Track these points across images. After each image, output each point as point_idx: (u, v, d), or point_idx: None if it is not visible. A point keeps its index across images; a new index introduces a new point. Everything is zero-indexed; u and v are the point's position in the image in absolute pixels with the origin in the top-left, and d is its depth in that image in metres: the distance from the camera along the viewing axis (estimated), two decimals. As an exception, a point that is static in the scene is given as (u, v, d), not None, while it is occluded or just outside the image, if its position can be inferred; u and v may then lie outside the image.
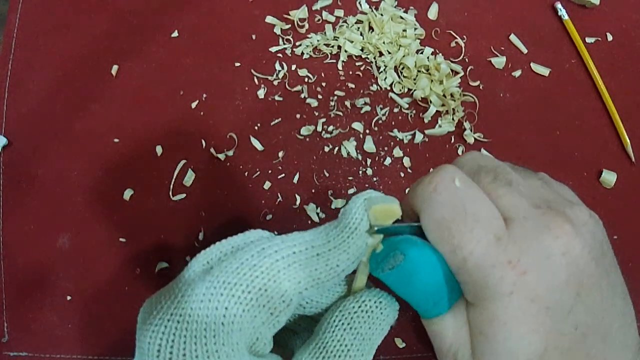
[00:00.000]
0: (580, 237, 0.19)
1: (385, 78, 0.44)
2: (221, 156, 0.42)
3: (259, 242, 0.20)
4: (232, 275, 0.19)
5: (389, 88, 0.44)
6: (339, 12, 0.46)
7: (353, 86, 0.44)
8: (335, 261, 0.20)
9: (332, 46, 0.45)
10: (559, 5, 0.47)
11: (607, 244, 0.21)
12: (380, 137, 0.43)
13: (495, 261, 0.19)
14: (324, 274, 0.20)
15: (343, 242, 0.20)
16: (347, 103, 0.44)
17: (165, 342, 0.18)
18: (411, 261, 0.20)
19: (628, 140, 0.44)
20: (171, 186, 0.41)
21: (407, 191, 0.24)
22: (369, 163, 0.42)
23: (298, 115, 0.43)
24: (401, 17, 0.45)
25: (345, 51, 0.44)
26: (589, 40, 0.47)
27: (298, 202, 0.41)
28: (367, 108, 0.43)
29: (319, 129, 0.43)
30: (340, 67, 0.44)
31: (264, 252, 0.20)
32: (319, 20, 0.46)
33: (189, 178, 0.41)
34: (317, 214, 0.41)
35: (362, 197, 0.21)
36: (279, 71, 0.44)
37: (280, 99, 0.43)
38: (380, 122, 0.43)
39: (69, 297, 0.39)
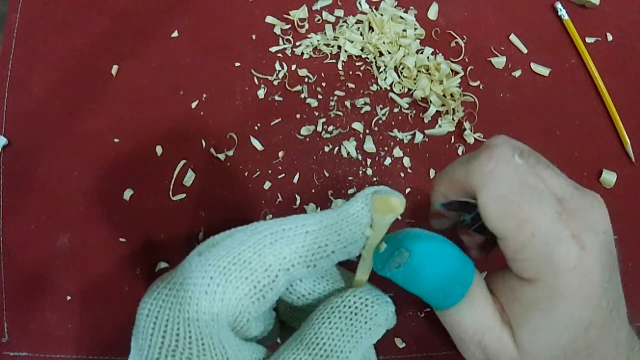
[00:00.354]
0: (609, 217, 0.21)
1: (385, 78, 0.44)
2: (221, 156, 0.42)
3: (257, 223, 0.20)
4: (223, 250, 0.19)
5: (389, 88, 0.44)
6: (339, 12, 0.46)
7: (353, 86, 0.44)
8: (324, 240, 0.20)
9: (332, 46, 0.45)
10: (559, 5, 0.47)
11: None
12: (380, 137, 0.43)
13: (562, 235, 0.19)
14: (311, 252, 0.20)
15: (335, 223, 0.20)
16: (347, 103, 0.44)
17: (157, 309, 0.18)
18: (417, 257, 0.20)
19: (628, 140, 0.44)
20: (171, 186, 0.41)
21: (449, 168, 0.23)
22: (369, 163, 0.42)
23: (298, 115, 0.43)
24: (401, 17, 0.45)
25: (345, 51, 0.44)
26: (589, 40, 0.47)
27: (298, 202, 0.41)
28: (367, 108, 0.43)
29: (319, 129, 0.43)
30: (340, 67, 0.44)
31: (255, 229, 0.20)
32: (319, 20, 0.46)
33: (189, 178, 0.41)
34: (317, 214, 0.41)
35: (371, 189, 0.21)
36: (279, 71, 0.44)
37: (280, 99, 0.44)
38: (380, 122, 0.43)
39: (69, 297, 0.39)
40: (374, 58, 0.45)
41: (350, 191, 0.41)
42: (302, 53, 0.45)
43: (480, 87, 0.45)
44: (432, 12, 0.47)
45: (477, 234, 0.23)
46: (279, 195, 0.41)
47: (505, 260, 0.22)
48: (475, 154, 0.21)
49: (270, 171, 0.42)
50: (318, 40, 0.45)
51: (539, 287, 0.20)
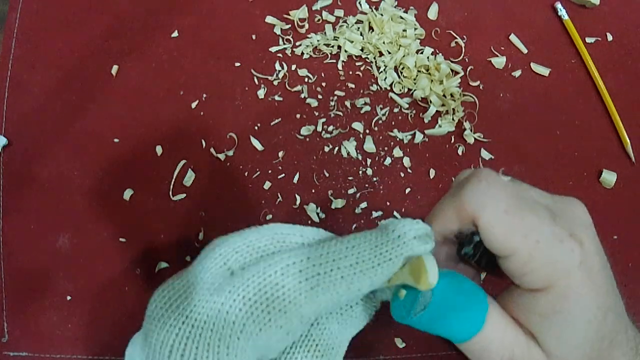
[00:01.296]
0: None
1: (385, 78, 0.44)
2: (221, 156, 0.42)
3: (282, 256, 0.20)
4: (254, 292, 0.19)
5: (389, 88, 0.44)
6: (339, 12, 0.46)
7: (353, 86, 0.44)
8: (358, 285, 0.20)
9: (332, 46, 0.45)
10: (559, 5, 0.47)
11: None
12: (380, 137, 0.43)
13: (562, 236, 0.20)
14: (348, 296, 0.20)
15: (372, 265, 0.20)
16: (347, 103, 0.44)
17: (177, 345, 0.18)
18: (440, 293, 0.20)
19: (628, 140, 0.44)
20: (171, 186, 0.41)
21: (440, 205, 0.24)
22: (369, 163, 0.42)
23: (298, 115, 0.43)
24: (401, 17, 0.45)
25: (345, 51, 0.44)
26: (589, 40, 0.47)
27: (298, 202, 0.41)
28: (367, 108, 0.43)
29: (319, 129, 0.43)
30: (340, 67, 0.44)
31: (288, 270, 0.20)
32: (319, 20, 0.46)
33: (189, 178, 0.41)
34: (317, 214, 0.41)
35: (417, 244, 0.20)
36: (279, 71, 0.44)
37: (280, 99, 0.43)
38: (380, 122, 0.43)
39: (69, 297, 0.39)
40: (374, 58, 0.45)
41: (350, 191, 0.41)
42: (302, 53, 0.45)
43: (480, 87, 0.45)
44: (432, 12, 0.47)
45: (476, 266, 0.24)
46: (279, 195, 0.41)
47: (509, 281, 0.22)
48: (461, 185, 0.22)
49: (270, 171, 0.42)
50: (318, 40, 0.45)
51: (552, 292, 0.20)
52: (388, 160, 0.42)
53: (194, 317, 0.19)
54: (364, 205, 0.41)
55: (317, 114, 0.43)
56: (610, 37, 0.47)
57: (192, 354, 0.18)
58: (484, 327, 0.21)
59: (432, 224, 0.23)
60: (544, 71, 0.46)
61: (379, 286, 0.21)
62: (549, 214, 0.21)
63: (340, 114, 0.43)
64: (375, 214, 0.41)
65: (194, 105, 0.43)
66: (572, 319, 0.20)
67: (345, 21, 0.46)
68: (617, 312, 0.21)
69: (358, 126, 0.43)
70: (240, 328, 0.19)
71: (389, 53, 0.44)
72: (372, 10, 0.46)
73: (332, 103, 0.44)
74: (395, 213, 0.41)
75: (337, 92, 0.44)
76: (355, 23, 0.46)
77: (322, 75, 0.44)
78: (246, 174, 0.42)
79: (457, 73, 0.45)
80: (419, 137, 0.43)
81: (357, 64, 0.45)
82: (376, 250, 0.20)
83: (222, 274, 0.20)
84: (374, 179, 0.42)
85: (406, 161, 0.42)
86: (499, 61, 0.45)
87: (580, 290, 0.20)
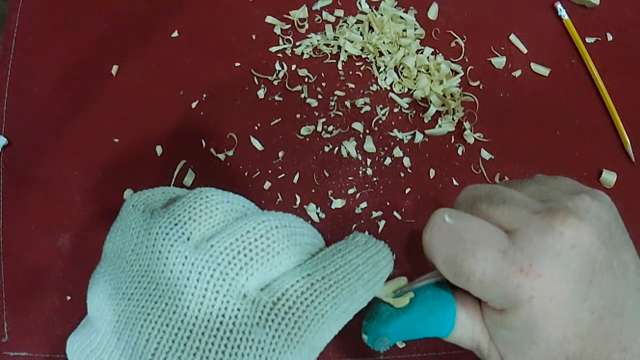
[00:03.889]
0: (586, 225, 0.20)
1: (385, 78, 0.44)
2: (221, 156, 0.42)
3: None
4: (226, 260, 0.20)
5: (389, 88, 0.44)
6: (339, 12, 0.46)
7: (353, 86, 0.44)
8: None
9: (332, 46, 0.45)
10: (559, 5, 0.47)
11: (616, 220, 0.23)
12: (380, 137, 0.43)
13: (508, 273, 0.20)
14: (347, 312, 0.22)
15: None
16: (347, 103, 0.44)
17: (162, 348, 0.18)
18: (395, 336, 0.23)
19: (628, 140, 0.44)
20: (171, 186, 0.41)
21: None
22: (369, 163, 0.42)
23: (298, 115, 0.43)
24: (401, 17, 0.45)
25: (345, 51, 0.44)
26: (589, 40, 0.47)
27: (298, 202, 0.41)
28: (367, 108, 0.43)
29: (319, 129, 0.43)
30: (340, 67, 0.44)
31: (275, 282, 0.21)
32: (319, 20, 0.46)
33: (189, 178, 0.41)
34: (317, 214, 0.41)
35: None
36: (279, 71, 0.44)
37: (280, 99, 0.44)
38: (380, 122, 0.43)
39: (69, 297, 0.39)
40: (374, 58, 0.45)
41: (350, 191, 0.41)
42: (302, 53, 0.45)
43: (480, 87, 0.45)
44: (432, 12, 0.47)
45: None
46: (279, 195, 0.41)
47: None
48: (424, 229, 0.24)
49: (270, 171, 0.42)
50: (318, 40, 0.45)
51: (512, 316, 0.21)
52: (388, 160, 0.42)
53: (175, 319, 0.20)
54: (364, 205, 0.41)
55: (317, 114, 0.43)
56: (610, 37, 0.47)
57: (177, 353, 0.19)
58: (455, 329, 0.23)
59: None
60: (544, 71, 0.46)
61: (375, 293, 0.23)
62: (498, 248, 0.20)
63: (340, 114, 0.43)
64: (375, 214, 0.41)
65: (194, 105, 0.43)
66: (529, 346, 0.21)
67: (345, 21, 0.46)
68: (596, 336, 0.20)
69: (358, 126, 0.43)
70: (183, 262, 0.20)
71: (389, 53, 0.44)
72: (372, 10, 0.46)
73: (332, 103, 0.44)
74: (395, 213, 0.41)
75: (337, 92, 0.44)
76: (355, 23, 0.46)
77: (322, 75, 0.44)
78: (246, 174, 0.42)
79: (457, 73, 0.45)
80: (419, 137, 0.43)
81: (357, 64, 0.45)
82: (370, 261, 0.23)
83: (184, 248, 0.20)
84: (374, 179, 0.42)
85: (406, 161, 0.42)
86: (499, 61, 0.45)
87: (540, 321, 0.20)
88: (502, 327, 0.22)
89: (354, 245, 0.23)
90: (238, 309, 0.19)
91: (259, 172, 0.42)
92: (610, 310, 0.20)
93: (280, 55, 0.45)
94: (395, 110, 0.44)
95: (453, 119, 0.43)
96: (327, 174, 0.42)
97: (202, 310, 0.19)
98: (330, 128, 0.43)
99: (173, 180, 0.41)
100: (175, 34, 0.45)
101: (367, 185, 0.42)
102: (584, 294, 0.20)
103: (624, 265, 0.21)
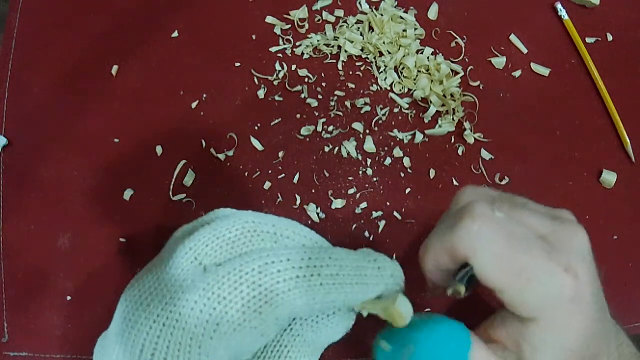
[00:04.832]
0: (585, 231, 0.22)
1: (385, 78, 0.44)
2: (221, 156, 0.42)
3: (261, 254, 0.20)
4: (229, 290, 0.19)
5: (389, 88, 0.44)
6: (339, 12, 0.46)
7: (353, 86, 0.44)
8: (333, 296, 0.20)
9: (332, 46, 0.45)
10: (559, 5, 0.47)
11: None
12: (380, 137, 0.43)
13: (555, 271, 0.20)
14: (322, 305, 0.20)
15: (350, 282, 0.21)
16: (347, 103, 0.44)
17: (148, 344, 0.18)
18: (422, 346, 0.21)
19: (628, 140, 0.44)
20: (171, 186, 0.41)
21: (433, 239, 0.23)
22: (369, 163, 0.42)
23: (298, 115, 0.43)
24: (401, 17, 0.45)
25: (345, 51, 0.44)
26: (589, 40, 0.47)
27: (298, 202, 0.41)
28: (367, 108, 0.43)
29: (319, 129, 0.43)
30: (340, 67, 0.44)
31: (266, 269, 0.19)
32: (319, 20, 0.46)
33: (189, 178, 0.41)
34: (317, 214, 0.41)
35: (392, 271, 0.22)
36: (279, 71, 0.44)
37: (280, 99, 0.43)
38: (380, 122, 0.43)
39: (69, 297, 0.39)
40: (374, 58, 0.45)
41: (350, 191, 0.41)
42: (302, 53, 0.45)
43: (480, 87, 0.45)
44: (432, 12, 0.47)
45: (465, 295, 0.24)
46: (279, 195, 0.41)
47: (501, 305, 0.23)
48: (456, 218, 0.22)
49: (270, 171, 0.42)
50: (318, 40, 0.45)
51: (542, 324, 0.21)
52: (388, 160, 0.42)
53: (165, 316, 0.18)
54: (364, 205, 0.41)
55: (317, 114, 0.43)
56: (610, 37, 0.47)
57: (162, 353, 0.18)
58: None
59: (425, 258, 0.23)
60: (544, 71, 0.46)
61: (352, 305, 0.21)
62: (544, 248, 0.21)
63: (340, 114, 0.43)
64: (375, 214, 0.41)
65: (194, 105, 0.43)
66: (559, 349, 0.21)
67: (345, 21, 0.46)
68: (604, 334, 0.22)
69: (358, 126, 0.43)
70: (214, 327, 0.18)
71: (389, 53, 0.44)
72: (372, 10, 0.46)
73: (332, 103, 0.44)
74: (395, 213, 0.41)
75: (337, 92, 0.44)
76: (355, 23, 0.46)
77: (322, 75, 0.44)
78: (246, 174, 0.42)
79: (457, 73, 0.45)
80: (419, 137, 0.43)
81: (357, 64, 0.45)
82: (357, 270, 0.21)
83: (193, 269, 0.20)
84: (374, 179, 0.42)
85: (406, 161, 0.42)
86: (499, 61, 0.45)
87: (570, 322, 0.21)
88: (525, 340, 0.21)
89: (354, 255, 0.22)
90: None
91: (259, 172, 0.42)
92: (605, 311, 0.22)
93: (280, 55, 0.45)
94: (395, 110, 0.44)
95: (453, 119, 0.43)
96: (327, 174, 0.42)
97: (200, 316, 0.18)
98: (330, 128, 0.43)
99: (173, 180, 0.41)
100: (175, 34, 0.45)
101: (367, 185, 0.42)
102: (597, 296, 0.21)
103: None
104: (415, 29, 0.45)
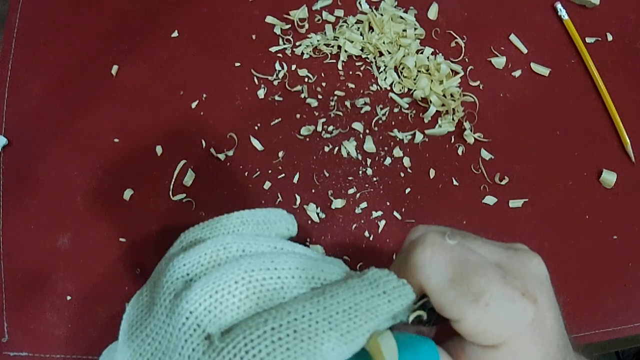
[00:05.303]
0: (541, 258, 0.22)
1: (385, 78, 0.44)
2: (221, 156, 0.42)
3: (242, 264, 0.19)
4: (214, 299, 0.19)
5: (389, 88, 0.44)
6: (339, 12, 0.46)
7: (353, 86, 0.44)
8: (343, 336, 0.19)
9: (332, 46, 0.45)
10: (559, 5, 0.47)
11: None
12: (380, 137, 0.43)
13: (513, 296, 0.20)
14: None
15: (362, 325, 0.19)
16: (347, 103, 0.44)
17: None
18: None
19: (628, 140, 0.44)
20: (171, 186, 0.41)
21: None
22: (369, 163, 0.42)
23: (298, 115, 0.43)
24: (401, 17, 0.45)
25: (345, 51, 0.44)
26: (589, 40, 0.47)
27: (298, 202, 0.41)
28: (367, 108, 0.43)
29: (319, 129, 0.43)
30: (340, 67, 0.44)
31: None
32: (319, 20, 0.46)
33: (189, 178, 0.41)
34: (317, 214, 0.41)
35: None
36: (279, 71, 0.44)
37: (280, 99, 0.43)
38: (380, 122, 0.43)
39: (69, 297, 0.39)
40: (374, 58, 0.45)
41: (350, 191, 0.41)
42: (302, 53, 0.45)
43: (480, 87, 0.45)
44: (432, 12, 0.47)
45: (428, 326, 0.24)
46: (279, 195, 0.41)
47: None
48: (409, 249, 0.21)
49: (270, 171, 0.42)
50: (318, 40, 0.45)
51: (503, 350, 0.20)
52: (388, 160, 0.42)
53: (149, 341, 0.18)
54: (364, 205, 0.41)
55: (317, 114, 0.43)
56: (610, 37, 0.47)
57: None
58: None
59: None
60: (544, 71, 0.46)
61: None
62: (499, 273, 0.20)
63: (340, 114, 0.43)
64: (375, 214, 0.41)
65: (194, 105, 0.43)
66: None
67: (345, 21, 0.46)
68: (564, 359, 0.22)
69: (358, 126, 0.43)
70: (197, 357, 0.17)
71: (389, 53, 0.44)
72: (372, 10, 0.46)
73: (332, 103, 0.44)
74: (395, 213, 0.41)
75: (337, 92, 0.44)
76: (355, 23, 0.46)
77: (322, 75, 0.44)
78: (246, 174, 0.42)
79: (457, 73, 0.45)
80: (419, 137, 0.43)
81: (357, 64, 0.45)
82: (368, 314, 0.19)
83: (184, 281, 0.19)
84: (374, 179, 0.42)
85: (406, 161, 0.42)
86: (499, 61, 0.45)
87: (531, 349, 0.20)
88: None
89: (352, 284, 0.20)
90: None
91: (259, 172, 0.42)
92: (566, 339, 0.22)
93: (280, 55, 0.45)
94: (395, 110, 0.44)
95: (453, 119, 0.43)
96: (327, 174, 0.42)
97: None
98: (330, 128, 0.43)
99: (173, 180, 0.41)
100: (175, 34, 0.45)
101: (367, 185, 0.42)
102: (558, 322, 0.21)
103: None
104: (415, 29, 0.45)
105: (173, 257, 0.21)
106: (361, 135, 0.43)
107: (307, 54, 0.45)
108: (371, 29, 0.45)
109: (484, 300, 0.20)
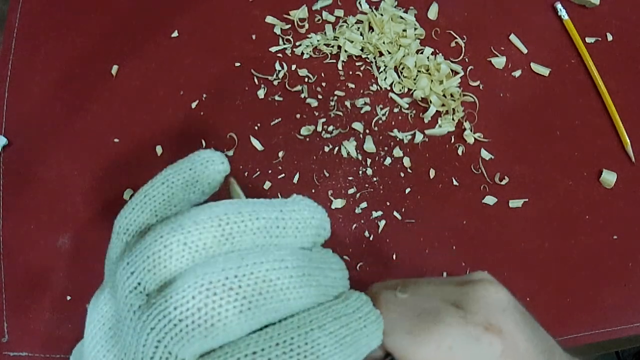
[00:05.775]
0: (499, 285, 0.22)
1: (385, 78, 0.44)
2: (221, 156, 0.42)
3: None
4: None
5: (389, 88, 0.44)
6: (339, 12, 0.46)
7: (353, 86, 0.44)
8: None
9: (332, 46, 0.45)
10: (559, 5, 0.47)
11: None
12: (380, 137, 0.43)
13: (476, 333, 0.20)
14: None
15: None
16: (347, 103, 0.44)
17: (162, 345, 0.16)
18: None
19: (628, 140, 0.44)
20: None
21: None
22: (369, 163, 0.42)
23: (298, 115, 0.43)
24: (401, 17, 0.45)
25: (345, 51, 0.44)
26: (589, 40, 0.47)
27: (298, 202, 0.41)
28: (367, 108, 0.43)
29: (319, 129, 0.43)
30: (340, 67, 0.44)
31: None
32: (319, 20, 0.46)
33: (189, 178, 0.41)
34: (317, 214, 0.41)
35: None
36: (279, 71, 0.44)
37: (280, 99, 0.43)
38: (380, 122, 0.43)
39: (69, 297, 0.39)
40: (374, 58, 0.45)
41: (350, 191, 0.41)
42: (302, 53, 0.45)
43: (480, 87, 0.45)
44: (432, 12, 0.47)
45: None
46: (279, 195, 0.41)
47: None
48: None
49: (270, 171, 0.42)
50: (318, 40, 0.45)
51: None
52: (388, 160, 0.42)
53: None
54: (364, 205, 0.41)
55: (317, 114, 0.43)
56: (610, 37, 0.47)
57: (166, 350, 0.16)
58: None
59: None
60: (544, 71, 0.46)
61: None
62: (457, 314, 0.21)
63: (340, 114, 0.43)
64: (375, 214, 0.41)
65: (194, 105, 0.43)
66: None
67: (345, 21, 0.46)
68: None
69: (358, 126, 0.43)
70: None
71: (389, 53, 0.44)
72: (372, 10, 0.46)
73: (332, 103, 0.44)
74: (395, 213, 0.41)
75: (337, 92, 0.44)
76: (355, 23, 0.46)
77: (322, 75, 0.44)
78: (246, 174, 0.42)
79: (457, 73, 0.45)
80: (419, 137, 0.43)
81: (357, 64, 0.45)
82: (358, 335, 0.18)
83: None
84: (374, 179, 0.42)
85: (406, 161, 0.42)
86: (499, 61, 0.45)
87: None
88: None
89: (336, 313, 0.18)
90: None
91: (259, 172, 0.42)
92: (551, 353, 0.22)
93: (280, 55, 0.45)
94: (395, 110, 0.44)
95: (453, 119, 0.43)
96: (327, 174, 0.42)
97: None
98: (330, 128, 0.43)
99: (173, 180, 0.41)
100: (175, 34, 0.45)
101: (367, 185, 0.42)
102: (534, 342, 0.21)
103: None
104: (415, 29, 0.45)
105: (119, 259, 0.19)
106: (361, 135, 0.43)
107: (307, 54, 0.45)
108: (371, 29, 0.45)
109: (447, 345, 0.20)
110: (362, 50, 0.45)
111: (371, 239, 0.41)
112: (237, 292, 0.15)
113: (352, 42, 0.44)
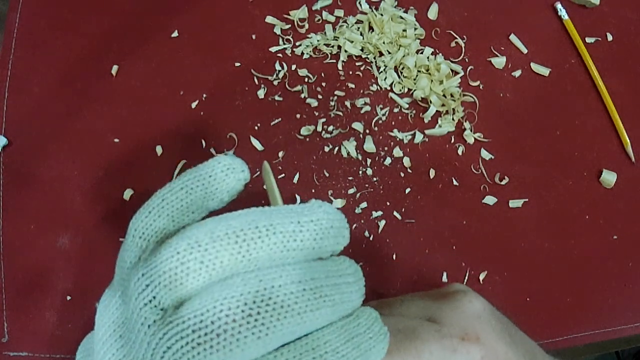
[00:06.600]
0: (473, 293, 0.23)
1: (385, 78, 0.44)
2: (221, 156, 0.42)
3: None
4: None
5: (389, 88, 0.44)
6: (339, 12, 0.46)
7: (353, 86, 0.44)
8: None
9: (332, 46, 0.45)
10: (559, 5, 0.47)
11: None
12: (380, 137, 0.43)
13: (453, 345, 0.21)
14: None
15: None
16: (347, 103, 0.44)
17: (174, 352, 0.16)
18: None
19: (628, 140, 0.44)
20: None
21: None
22: (369, 163, 0.42)
23: (298, 115, 0.43)
24: (401, 17, 0.45)
25: (345, 51, 0.44)
26: (589, 40, 0.47)
27: (298, 202, 0.41)
28: (367, 108, 0.43)
29: (319, 129, 0.43)
30: (340, 67, 0.44)
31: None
32: (319, 20, 0.46)
33: (189, 178, 0.41)
34: (317, 214, 0.41)
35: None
36: (279, 71, 0.44)
37: (280, 99, 0.43)
38: (380, 122, 0.43)
39: (69, 297, 0.39)
40: (374, 58, 0.45)
41: (350, 191, 0.41)
42: (302, 53, 0.45)
43: (480, 87, 0.45)
44: (432, 12, 0.47)
45: None
46: (279, 195, 0.41)
47: None
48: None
49: (270, 171, 0.42)
50: (318, 40, 0.45)
51: None
52: (388, 160, 0.42)
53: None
54: (364, 205, 0.41)
55: (317, 114, 0.43)
56: (610, 37, 0.47)
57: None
58: None
59: None
60: (544, 71, 0.46)
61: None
62: (433, 328, 0.21)
63: (340, 114, 0.43)
64: (375, 214, 0.41)
65: (194, 105, 0.43)
66: None
67: (345, 21, 0.46)
68: None
69: (358, 126, 0.43)
70: None
71: (389, 53, 0.44)
72: (372, 10, 0.46)
73: (332, 103, 0.44)
74: (395, 213, 0.41)
75: (337, 92, 0.44)
76: (355, 23, 0.46)
77: (322, 75, 0.44)
78: (246, 174, 0.42)
79: (457, 73, 0.45)
80: (419, 137, 0.43)
81: (357, 64, 0.45)
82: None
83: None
84: (374, 179, 0.42)
85: (406, 161, 0.42)
86: (499, 61, 0.45)
87: None
88: None
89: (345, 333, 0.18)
90: None
91: (259, 172, 0.42)
92: (532, 355, 0.23)
93: (280, 55, 0.45)
94: (395, 110, 0.44)
95: (453, 119, 0.43)
96: (327, 174, 0.42)
97: None
98: (330, 128, 0.43)
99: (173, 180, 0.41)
100: (175, 34, 0.45)
101: (367, 185, 0.42)
102: (512, 345, 0.22)
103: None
104: (415, 29, 0.45)
105: (132, 268, 0.19)
106: (361, 135, 0.43)
107: (307, 54, 0.45)
108: (371, 29, 0.45)
109: (426, 357, 0.20)
110: (362, 50, 0.45)
111: (371, 239, 0.41)
112: (257, 318, 0.15)
113: (352, 42, 0.45)
